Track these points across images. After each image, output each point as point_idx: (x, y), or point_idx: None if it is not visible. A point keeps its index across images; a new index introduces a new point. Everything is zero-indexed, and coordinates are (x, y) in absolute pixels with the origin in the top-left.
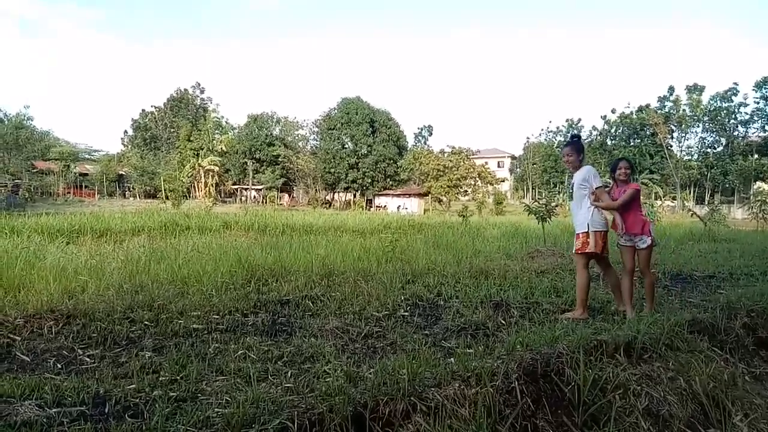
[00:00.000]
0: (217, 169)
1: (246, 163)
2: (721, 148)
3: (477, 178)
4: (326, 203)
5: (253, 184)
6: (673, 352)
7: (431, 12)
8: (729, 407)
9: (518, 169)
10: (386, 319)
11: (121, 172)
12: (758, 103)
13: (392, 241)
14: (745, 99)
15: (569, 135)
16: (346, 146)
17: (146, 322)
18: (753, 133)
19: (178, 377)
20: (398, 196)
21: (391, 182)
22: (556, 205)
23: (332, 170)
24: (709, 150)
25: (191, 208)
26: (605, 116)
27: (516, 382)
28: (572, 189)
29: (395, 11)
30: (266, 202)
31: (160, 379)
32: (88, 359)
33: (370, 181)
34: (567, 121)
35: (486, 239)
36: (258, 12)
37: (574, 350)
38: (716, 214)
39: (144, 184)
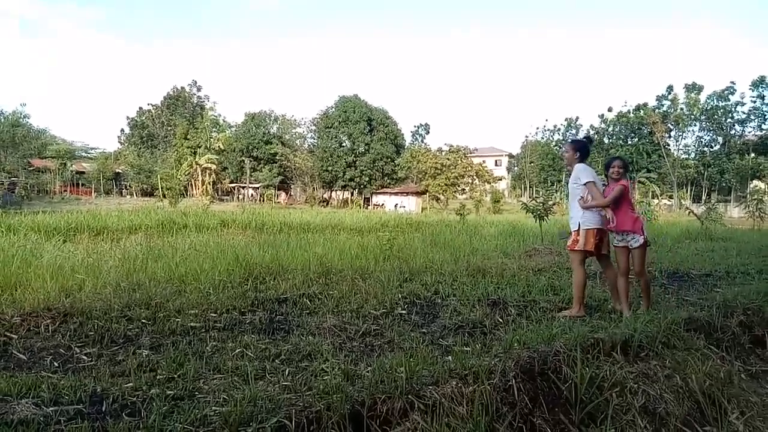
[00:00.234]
0: (214, 167)
1: (243, 161)
2: (718, 146)
3: (474, 177)
4: (323, 201)
5: (250, 183)
6: (670, 350)
7: (430, 12)
8: (725, 405)
9: (516, 168)
10: (384, 317)
11: (117, 170)
12: (755, 101)
13: (390, 240)
14: (742, 98)
15: (583, 136)
16: (344, 144)
17: (143, 321)
18: (750, 132)
19: (176, 375)
20: (396, 194)
21: (388, 180)
22: (554, 204)
23: (329, 168)
24: (706, 149)
25: (188, 207)
26: (602, 115)
27: (513, 380)
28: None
29: (395, 11)
30: (263, 201)
31: (158, 377)
32: (85, 357)
33: (367, 179)
34: (566, 119)
35: (483, 237)
36: (258, 12)
37: (571, 348)
38: (713, 212)
39: (141, 182)
